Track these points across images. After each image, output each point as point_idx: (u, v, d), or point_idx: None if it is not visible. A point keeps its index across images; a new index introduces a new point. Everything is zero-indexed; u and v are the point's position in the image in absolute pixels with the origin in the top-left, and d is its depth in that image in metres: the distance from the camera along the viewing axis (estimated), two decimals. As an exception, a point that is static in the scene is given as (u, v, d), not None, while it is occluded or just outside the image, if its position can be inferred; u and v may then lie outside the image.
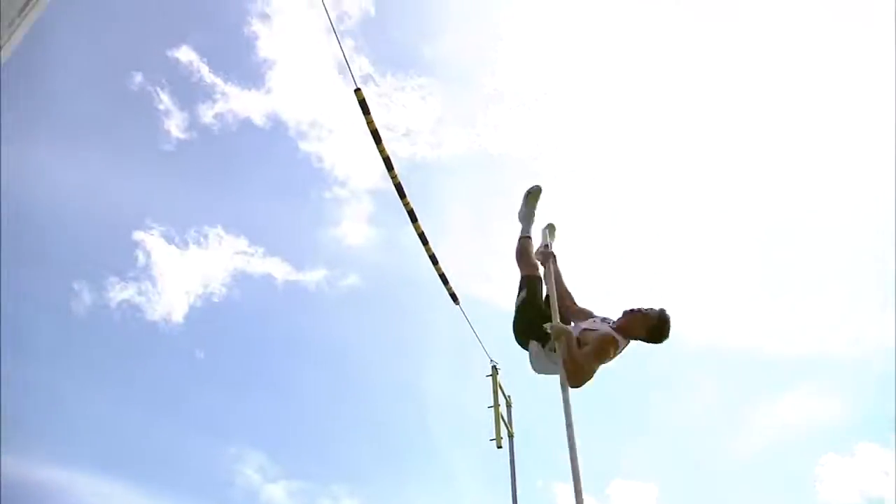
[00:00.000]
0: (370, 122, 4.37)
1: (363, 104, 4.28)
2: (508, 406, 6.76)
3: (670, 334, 3.90)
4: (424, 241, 5.47)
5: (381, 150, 4.66)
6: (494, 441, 6.24)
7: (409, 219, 5.34)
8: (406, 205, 5.24)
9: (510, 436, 6.57)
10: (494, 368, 6.67)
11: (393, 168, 4.94)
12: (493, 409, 6.44)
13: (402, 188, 5.15)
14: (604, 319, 4.06)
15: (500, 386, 6.60)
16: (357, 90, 4.23)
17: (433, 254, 5.64)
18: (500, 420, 6.38)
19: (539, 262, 4.50)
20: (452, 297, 5.96)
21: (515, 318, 4.39)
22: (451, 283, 5.95)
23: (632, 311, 3.92)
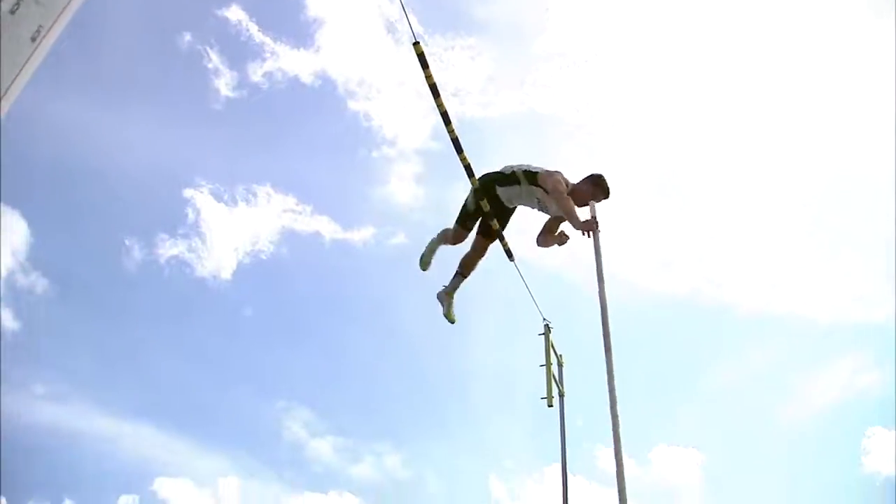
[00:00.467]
0: (429, 77, 4.24)
1: (422, 57, 4.15)
2: (560, 365, 6.73)
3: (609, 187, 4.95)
4: (481, 198, 5.35)
5: (440, 105, 4.53)
6: (545, 400, 6.22)
7: (465, 174, 5.22)
8: (463, 160, 5.09)
9: (561, 395, 6.55)
10: (547, 327, 6.61)
11: (450, 122, 4.82)
12: (544, 367, 6.41)
13: (459, 142, 5.02)
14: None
15: (552, 345, 6.55)
16: (416, 43, 4.09)
17: (490, 210, 5.52)
18: (552, 379, 6.35)
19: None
20: (508, 254, 5.86)
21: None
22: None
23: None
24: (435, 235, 5.63)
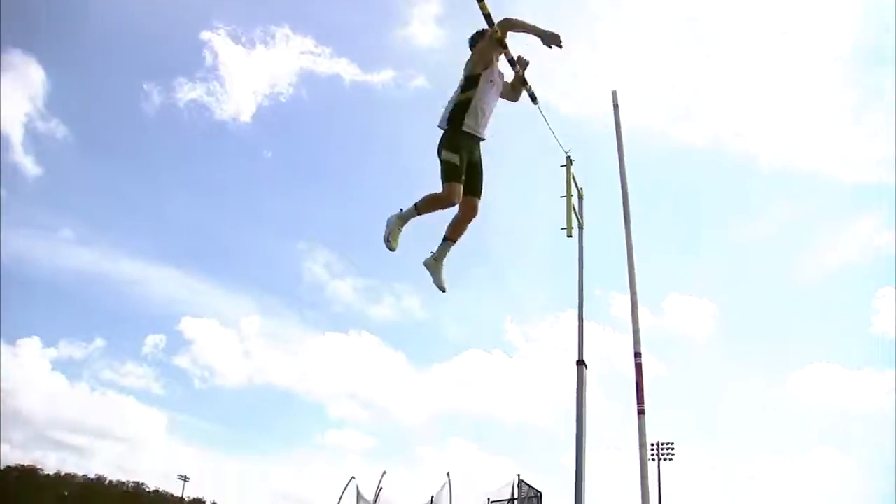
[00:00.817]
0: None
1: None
2: (580, 198, 6.82)
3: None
4: (503, 47, 5.13)
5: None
6: (565, 231, 6.41)
7: (484, 22, 4.95)
8: (483, 9, 4.85)
9: (580, 227, 6.74)
10: (569, 159, 6.61)
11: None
12: (565, 199, 6.51)
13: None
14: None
15: (573, 177, 6.59)
16: None
17: (511, 57, 5.35)
18: (572, 210, 6.49)
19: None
20: (532, 98, 5.74)
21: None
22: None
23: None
24: (398, 212, 5.10)
